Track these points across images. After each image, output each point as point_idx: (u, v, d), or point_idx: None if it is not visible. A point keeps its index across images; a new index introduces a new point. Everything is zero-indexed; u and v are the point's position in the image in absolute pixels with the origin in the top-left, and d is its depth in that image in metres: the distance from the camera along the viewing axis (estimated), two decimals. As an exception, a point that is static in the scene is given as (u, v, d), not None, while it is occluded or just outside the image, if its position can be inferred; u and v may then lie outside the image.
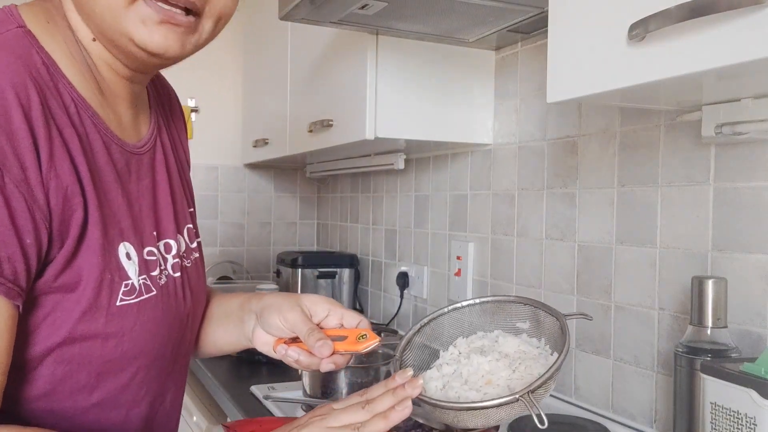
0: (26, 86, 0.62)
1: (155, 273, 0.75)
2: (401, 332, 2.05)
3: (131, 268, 0.71)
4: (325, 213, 2.81)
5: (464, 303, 0.98)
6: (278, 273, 2.42)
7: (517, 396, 0.72)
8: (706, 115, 1.07)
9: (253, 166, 2.76)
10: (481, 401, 0.74)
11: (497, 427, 1.06)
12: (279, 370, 1.63)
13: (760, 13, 0.66)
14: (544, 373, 0.75)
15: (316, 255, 2.49)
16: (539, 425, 0.69)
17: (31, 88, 0.63)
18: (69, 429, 0.68)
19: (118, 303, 0.68)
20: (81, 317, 0.65)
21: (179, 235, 0.82)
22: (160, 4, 0.68)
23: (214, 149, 2.71)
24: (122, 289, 0.69)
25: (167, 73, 0.90)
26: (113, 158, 0.73)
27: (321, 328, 0.84)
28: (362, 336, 0.83)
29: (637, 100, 1.09)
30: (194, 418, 1.67)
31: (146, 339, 0.73)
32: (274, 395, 1.36)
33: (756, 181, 1.06)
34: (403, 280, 2.06)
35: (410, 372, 0.75)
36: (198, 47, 0.74)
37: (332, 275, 2.32)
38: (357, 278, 2.38)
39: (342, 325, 0.86)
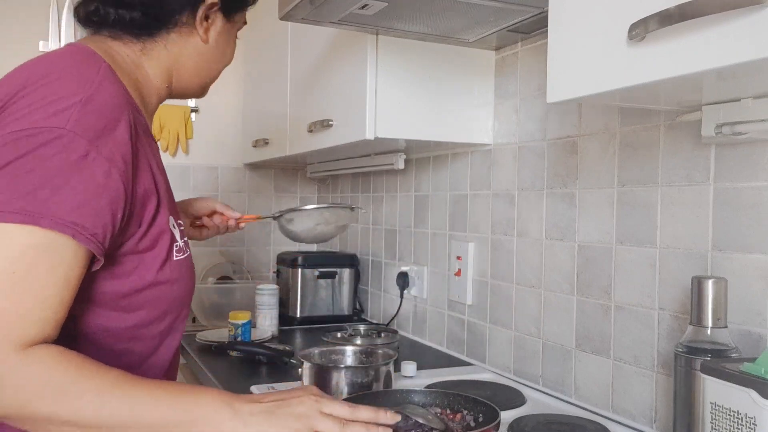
0: (126, 108, 0.86)
1: (185, 238, 1.02)
2: (401, 332, 2.05)
3: (176, 234, 0.96)
4: (325, 213, 2.81)
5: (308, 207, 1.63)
6: (278, 273, 2.42)
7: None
8: (706, 115, 1.07)
9: (253, 166, 2.76)
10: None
11: (497, 427, 1.06)
12: (279, 370, 1.63)
13: (760, 13, 0.66)
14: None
15: (316, 255, 2.49)
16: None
17: (128, 109, 0.86)
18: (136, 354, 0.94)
19: (174, 258, 0.94)
20: (160, 268, 0.91)
21: (179, 219, 1.04)
22: None
23: (214, 149, 2.71)
24: (175, 248, 0.94)
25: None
26: (155, 155, 0.97)
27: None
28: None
29: (637, 100, 1.09)
30: (194, 418, 1.67)
31: (189, 286, 0.99)
32: (274, 395, 1.36)
33: (756, 181, 1.06)
34: (403, 280, 2.06)
35: (398, 417, 0.95)
36: None
37: (332, 275, 2.32)
38: (357, 278, 2.38)
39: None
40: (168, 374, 1.01)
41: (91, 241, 0.78)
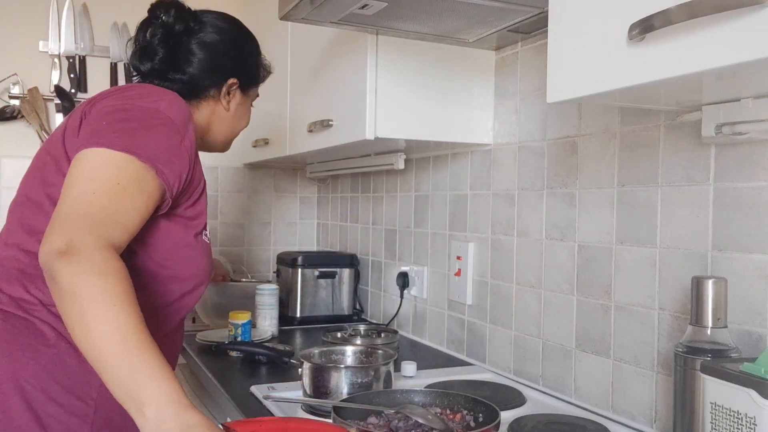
0: (191, 120, 1.16)
1: (207, 234, 1.26)
2: (401, 332, 2.05)
3: (207, 227, 1.24)
4: (325, 213, 2.81)
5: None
6: (278, 273, 2.42)
7: None
8: (706, 115, 1.07)
9: (253, 166, 2.76)
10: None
11: (497, 427, 1.06)
12: (279, 370, 1.63)
13: (760, 13, 0.66)
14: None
15: (316, 255, 2.49)
16: None
17: (194, 124, 1.18)
18: (163, 305, 1.17)
19: (203, 237, 1.22)
20: (195, 237, 1.19)
21: None
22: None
23: (214, 149, 2.70)
24: (204, 232, 1.22)
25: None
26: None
27: None
28: None
29: (637, 100, 1.09)
30: (194, 418, 1.67)
31: (208, 267, 1.24)
32: (274, 395, 1.36)
33: (756, 181, 1.06)
34: (403, 280, 2.06)
35: None
36: None
37: (332, 275, 2.32)
38: (357, 278, 2.38)
39: None
40: (175, 339, 1.27)
41: (167, 182, 1.05)
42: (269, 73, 1.46)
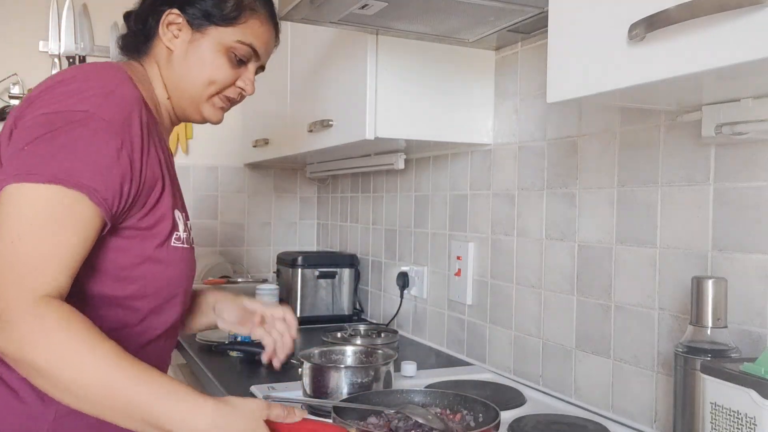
0: (141, 107, 1.00)
1: (189, 236, 1.11)
2: (401, 332, 2.05)
3: (180, 225, 1.07)
4: (325, 213, 2.81)
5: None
6: (278, 273, 2.42)
7: None
8: (706, 115, 1.07)
9: (253, 166, 2.76)
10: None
11: (497, 427, 1.06)
12: (279, 370, 1.62)
13: (760, 13, 0.66)
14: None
15: (316, 255, 2.49)
16: None
17: (142, 108, 1.00)
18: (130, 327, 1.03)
19: (172, 244, 1.05)
20: (156, 247, 1.02)
21: (188, 220, 1.15)
22: (227, 95, 1.16)
23: (214, 149, 2.71)
24: (174, 236, 1.05)
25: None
26: (168, 159, 1.10)
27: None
28: None
29: (637, 100, 1.09)
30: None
31: (184, 275, 1.09)
32: (274, 395, 1.36)
33: (756, 181, 1.06)
34: (403, 280, 2.06)
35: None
36: None
37: (332, 275, 2.32)
38: (357, 278, 2.38)
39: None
40: (149, 353, 1.07)
41: (103, 205, 0.90)
42: (245, 7, 1.12)
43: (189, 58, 1.11)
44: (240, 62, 1.13)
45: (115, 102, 0.95)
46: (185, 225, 1.10)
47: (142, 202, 0.99)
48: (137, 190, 0.97)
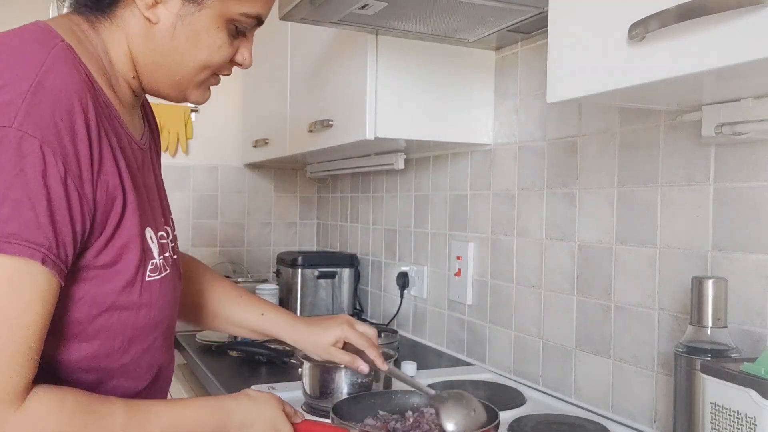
0: (85, 95, 0.73)
1: (167, 254, 0.89)
2: (401, 332, 2.05)
3: (154, 249, 0.84)
4: (325, 213, 2.81)
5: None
6: (278, 273, 2.42)
7: None
8: (706, 115, 1.07)
9: (253, 166, 2.76)
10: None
11: (497, 427, 1.06)
12: (279, 370, 1.63)
13: (760, 13, 0.66)
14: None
15: (316, 255, 2.49)
16: None
17: (87, 96, 0.74)
18: (95, 390, 0.80)
19: (147, 279, 0.81)
20: (122, 290, 0.78)
21: (168, 225, 0.94)
22: (220, 74, 0.90)
23: (214, 149, 2.71)
24: (149, 266, 0.82)
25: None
26: (135, 156, 0.86)
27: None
28: None
29: (637, 100, 1.09)
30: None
31: (165, 309, 0.86)
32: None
33: (756, 181, 1.06)
34: (403, 280, 2.06)
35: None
36: None
37: (332, 275, 2.32)
38: (357, 278, 2.38)
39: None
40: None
41: (56, 266, 0.68)
42: None
43: (177, 34, 0.83)
44: (239, 32, 0.88)
45: (46, 101, 0.69)
46: (162, 246, 0.87)
47: (98, 232, 0.75)
48: (91, 221, 0.73)
